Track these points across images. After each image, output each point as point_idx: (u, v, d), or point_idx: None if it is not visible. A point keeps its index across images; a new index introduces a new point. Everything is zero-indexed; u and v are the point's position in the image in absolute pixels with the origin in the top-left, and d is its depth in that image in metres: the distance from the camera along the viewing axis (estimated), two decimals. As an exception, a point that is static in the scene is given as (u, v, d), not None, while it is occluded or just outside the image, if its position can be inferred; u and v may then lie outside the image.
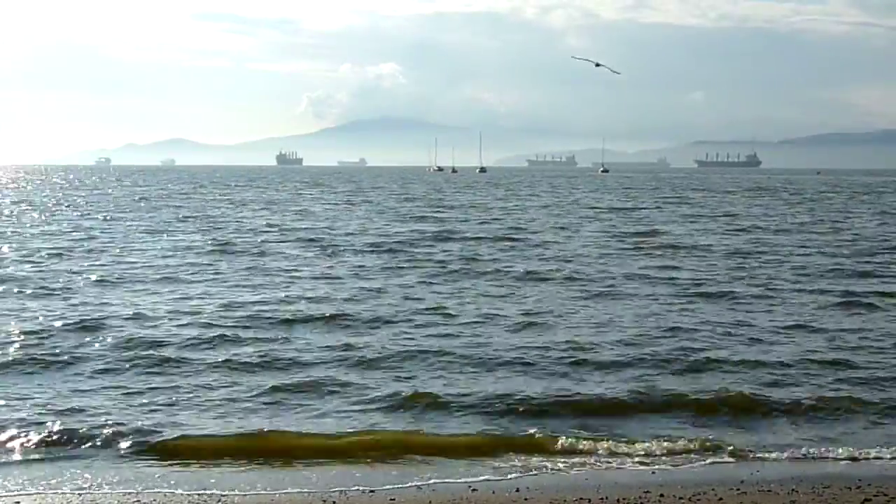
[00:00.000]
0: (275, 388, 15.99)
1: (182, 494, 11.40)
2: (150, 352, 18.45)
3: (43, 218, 58.31)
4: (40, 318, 21.86)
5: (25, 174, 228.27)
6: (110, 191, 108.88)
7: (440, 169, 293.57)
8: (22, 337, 19.68)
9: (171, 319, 21.89)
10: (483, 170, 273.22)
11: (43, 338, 19.65)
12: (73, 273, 30.15)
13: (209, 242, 40.69)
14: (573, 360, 18.11)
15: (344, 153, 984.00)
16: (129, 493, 11.41)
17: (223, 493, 11.40)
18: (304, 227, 51.51)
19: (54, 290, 26.42)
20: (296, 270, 31.35)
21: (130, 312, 22.52)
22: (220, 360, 17.96)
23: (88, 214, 61.77)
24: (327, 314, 22.51)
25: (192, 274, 30.22)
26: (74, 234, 46.06)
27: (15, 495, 11.28)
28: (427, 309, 23.56)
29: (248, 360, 18.02)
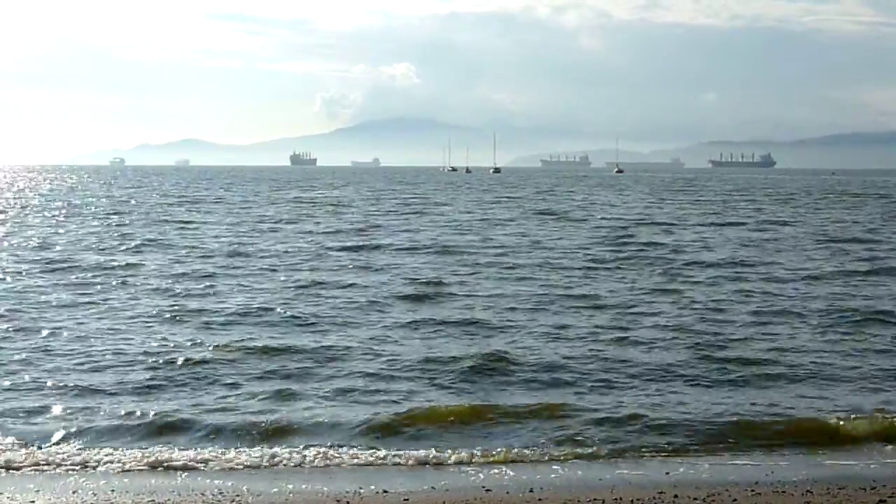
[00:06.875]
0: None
1: (196, 492, 11.46)
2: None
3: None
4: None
5: (44, 173, 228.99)
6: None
7: (454, 169, 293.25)
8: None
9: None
10: (497, 170, 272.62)
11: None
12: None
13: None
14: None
15: (358, 153, 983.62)
16: (142, 490, 11.49)
17: (237, 494, 11.45)
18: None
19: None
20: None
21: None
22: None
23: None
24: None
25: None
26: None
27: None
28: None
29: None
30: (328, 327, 21.40)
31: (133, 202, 79.59)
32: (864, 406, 15.35)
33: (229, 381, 16.69)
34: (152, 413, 14.73)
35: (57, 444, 13.33)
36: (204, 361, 17.83)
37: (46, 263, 32.60)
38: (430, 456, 13.09)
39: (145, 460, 12.74)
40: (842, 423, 14.35)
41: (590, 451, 13.35)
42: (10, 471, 12.38)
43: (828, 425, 14.36)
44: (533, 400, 15.64)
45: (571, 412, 14.95)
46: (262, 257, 35.45)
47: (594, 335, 20.57)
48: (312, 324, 21.74)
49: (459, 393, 16.14)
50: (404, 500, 11.28)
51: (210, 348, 19.00)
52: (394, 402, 15.52)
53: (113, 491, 11.54)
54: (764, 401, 15.70)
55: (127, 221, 55.02)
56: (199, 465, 12.62)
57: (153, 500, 11.18)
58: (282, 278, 29.46)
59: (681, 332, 20.97)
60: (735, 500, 11.23)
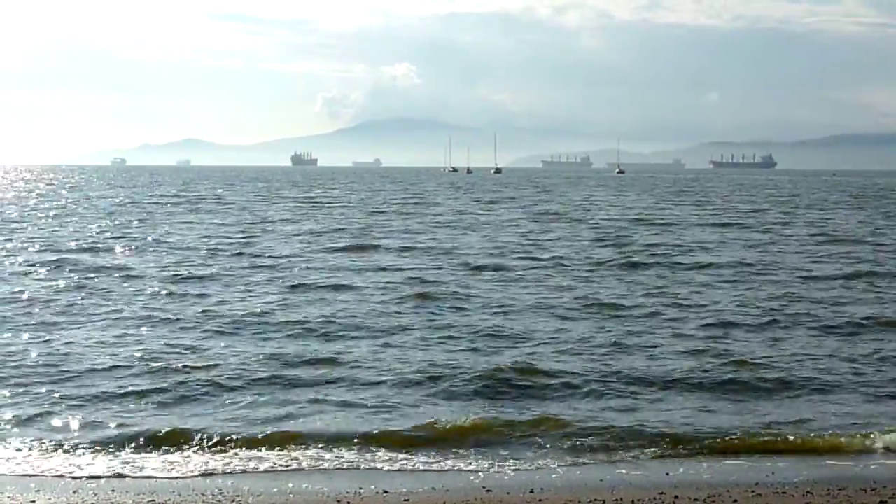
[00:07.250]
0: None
1: (196, 492, 11.46)
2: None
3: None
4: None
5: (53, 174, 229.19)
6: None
7: (455, 169, 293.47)
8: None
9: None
10: (498, 170, 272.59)
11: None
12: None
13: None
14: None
15: (359, 153, 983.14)
16: (143, 490, 11.50)
17: (237, 494, 11.46)
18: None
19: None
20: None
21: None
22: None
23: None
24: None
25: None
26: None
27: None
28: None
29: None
30: (330, 331, 21.31)
31: (133, 202, 79.63)
32: (866, 415, 15.24)
33: (230, 386, 16.58)
34: (153, 417, 14.74)
35: (57, 448, 13.29)
36: (204, 367, 17.73)
37: (46, 264, 32.58)
38: (431, 457, 13.09)
39: (146, 463, 12.74)
40: (844, 440, 13.90)
41: (591, 455, 13.30)
42: (11, 473, 12.38)
43: (834, 444, 13.88)
44: (535, 407, 15.55)
45: (574, 420, 14.78)
46: (262, 258, 35.45)
47: (595, 339, 20.51)
48: (314, 328, 21.66)
49: (463, 401, 16.01)
50: (404, 500, 11.29)
51: (211, 353, 18.96)
52: (394, 407, 15.47)
53: (113, 491, 11.56)
54: (766, 409, 15.61)
55: (127, 221, 55.04)
56: (200, 466, 12.62)
57: (153, 500, 11.20)
58: (282, 280, 29.45)
59: (682, 337, 20.91)
60: (735, 500, 11.24)
